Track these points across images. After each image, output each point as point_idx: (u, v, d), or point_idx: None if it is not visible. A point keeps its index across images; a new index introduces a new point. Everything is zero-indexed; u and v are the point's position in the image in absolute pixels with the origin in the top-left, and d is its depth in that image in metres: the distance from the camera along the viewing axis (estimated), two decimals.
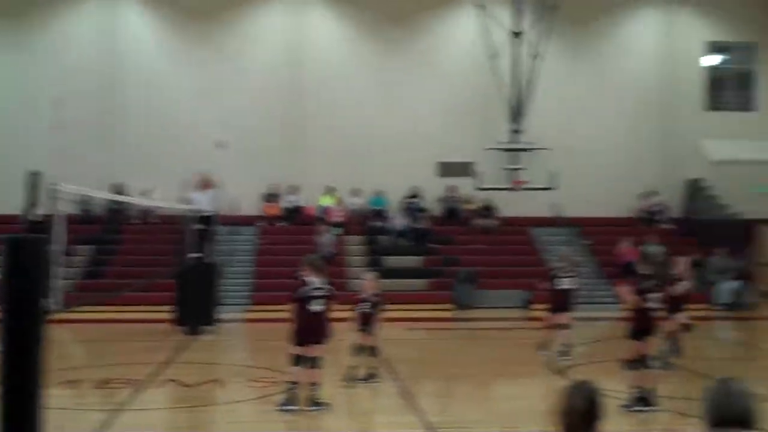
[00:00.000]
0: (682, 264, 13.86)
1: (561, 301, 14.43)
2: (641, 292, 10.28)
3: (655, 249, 23.81)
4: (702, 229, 26.23)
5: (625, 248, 24.75)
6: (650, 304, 10.33)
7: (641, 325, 10.39)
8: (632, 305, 10.35)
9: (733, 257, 24.61)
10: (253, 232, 25.58)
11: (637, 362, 10.40)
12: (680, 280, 13.57)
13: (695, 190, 27.24)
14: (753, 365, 15.16)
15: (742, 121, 28.06)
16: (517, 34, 24.50)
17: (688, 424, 9.45)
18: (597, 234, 25.86)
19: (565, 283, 14.47)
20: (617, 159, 27.23)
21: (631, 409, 10.25)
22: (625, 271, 24.39)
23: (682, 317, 13.50)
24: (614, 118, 27.47)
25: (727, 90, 28.64)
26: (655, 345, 10.64)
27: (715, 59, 28.63)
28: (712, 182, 26.61)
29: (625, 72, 27.82)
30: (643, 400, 10.31)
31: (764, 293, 25.25)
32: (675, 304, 13.02)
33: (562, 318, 14.49)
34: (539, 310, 21.39)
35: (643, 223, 26.90)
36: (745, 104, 28.55)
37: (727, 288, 23.20)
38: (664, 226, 26.93)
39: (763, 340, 19.62)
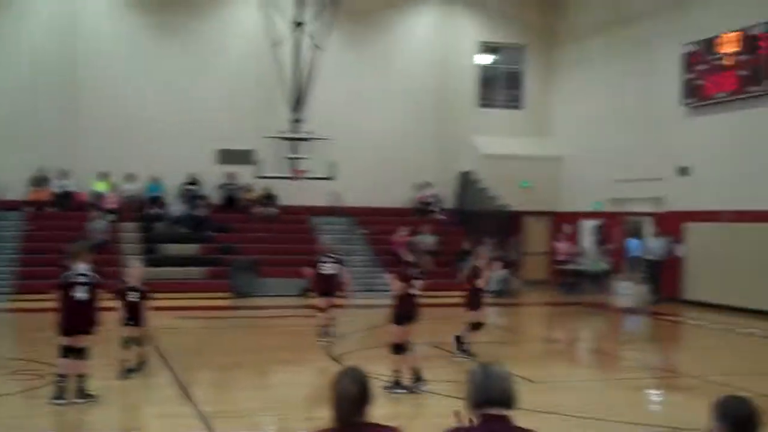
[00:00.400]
0: (484, 257, 14.12)
1: (324, 287, 15.32)
2: (406, 279, 10.58)
3: (423, 239, 24.69)
4: (472, 219, 27.40)
5: (401, 237, 25.45)
6: (413, 291, 10.66)
7: (404, 311, 10.70)
8: (397, 291, 10.64)
9: (500, 247, 25.85)
10: (19, 217, 24.18)
11: (400, 347, 10.71)
12: (482, 272, 13.77)
13: (467, 182, 28.40)
14: (517, 349, 16.00)
15: (511, 118, 29.53)
16: (299, 24, 24.60)
17: (451, 406, 9.82)
18: (374, 223, 26.42)
19: (328, 269, 15.36)
20: (395, 151, 27.89)
21: (393, 391, 10.54)
22: (400, 260, 25.15)
23: (480, 314, 13.71)
24: (393, 111, 28.11)
25: (497, 88, 30.05)
26: (416, 331, 10.95)
27: (486, 59, 29.94)
28: (482, 175, 27.81)
29: (404, 66, 28.51)
30: (406, 383, 10.63)
31: (528, 281, 26.76)
32: (477, 296, 13.43)
33: (326, 302, 15.35)
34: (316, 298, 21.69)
35: (418, 214, 27.76)
36: (513, 102, 30.06)
37: (494, 276, 24.33)
38: (437, 216, 27.92)
39: (526, 325, 20.76)
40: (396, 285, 10.64)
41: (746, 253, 20.50)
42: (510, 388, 4.00)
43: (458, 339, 13.66)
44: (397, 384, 10.69)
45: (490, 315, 21.19)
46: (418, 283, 10.72)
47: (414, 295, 10.72)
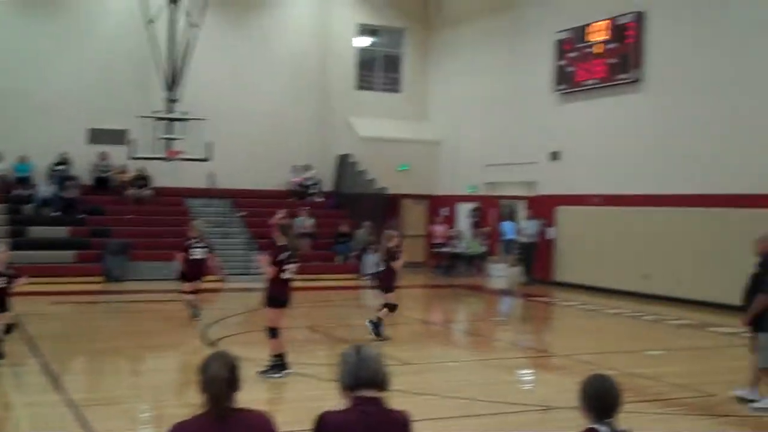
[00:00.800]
0: (395, 239, 14.27)
1: (194, 271, 15.31)
2: (278, 263, 10.47)
3: (301, 221, 24.65)
4: (351, 202, 27.46)
5: (278, 220, 25.27)
6: (286, 275, 10.56)
7: (277, 295, 10.62)
8: (270, 275, 10.52)
9: (378, 230, 25.99)
10: None
11: (274, 330, 10.63)
12: (398, 254, 14.06)
13: (345, 165, 28.41)
14: (393, 331, 16.11)
15: (389, 101, 29.67)
16: (174, 2, 24.03)
17: (324, 389, 9.81)
18: (252, 206, 26.11)
19: (197, 254, 15.33)
20: (274, 132, 27.63)
21: (268, 375, 10.46)
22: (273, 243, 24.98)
23: (395, 296, 14.00)
24: (272, 92, 27.80)
25: (376, 71, 30.12)
26: (292, 314, 10.89)
27: (366, 41, 29.96)
28: (360, 158, 27.86)
29: (284, 47, 28.23)
30: (279, 367, 10.58)
31: (405, 263, 26.97)
32: (392, 278, 13.90)
33: (192, 286, 15.31)
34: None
35: (296, 196, 27.62)
36: (391, 85, 30.20)
37: (372, 259, 24.44)
38: (316, 199, 27.84)
39: (402, 307, 20.89)
40: (268, 268, 10.52)
41: (613, 236, 21.22)
42: (382, 370, 4.00)
43: (375, 323, 13.75)
44: (274, 368, 10.61)
45: (369, 297, 21.37)
46: (292, 266, 10.61)
47: (287, 279, 10.62)
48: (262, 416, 3.90)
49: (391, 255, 13.88)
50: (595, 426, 4.12)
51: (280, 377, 10.45)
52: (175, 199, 25.72)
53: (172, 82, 24.13)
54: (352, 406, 3.98)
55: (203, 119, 23.42)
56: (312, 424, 3.91)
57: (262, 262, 10.79)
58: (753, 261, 9.70)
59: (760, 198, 17.42)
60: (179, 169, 24.40)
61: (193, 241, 15.44)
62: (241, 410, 3.84)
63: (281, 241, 10.61)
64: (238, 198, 26.17)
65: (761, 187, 17.42)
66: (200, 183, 25.67)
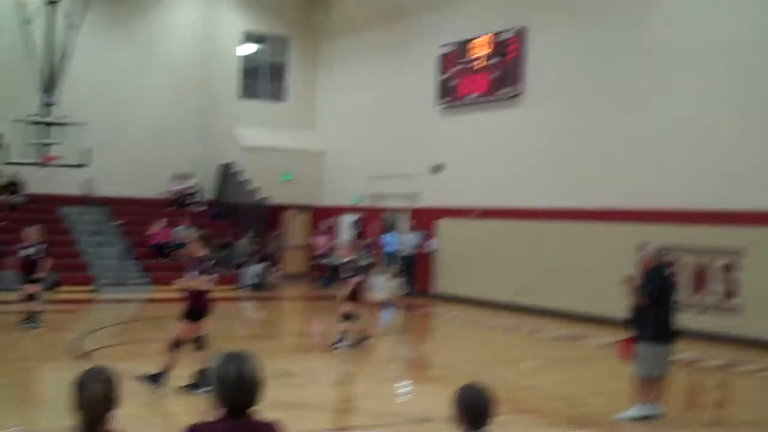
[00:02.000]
0: (345, 247, 14.79)
1: (27, 275, 15.29)
2: (201, 274, 10.19)
3: (182, 231, 24.24)
4: (233, 212, 27.14)
5: (158, 229, 24.80)
6: (206, 287, 10.30)
7: (197, 308, 10.33)
8: (192, 287, 10.21)
9: (260, 240, 25.79)
10: None
11: (180, 343, 10.26)
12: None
13: (227, 174, 28.06)
14: (273, 342, 15.98)
15: (274, 110, 29.47)
16: (52, 3, 23.31)
17: (197, 402, 9.59)
18: (129, 214, 25.49)
19: (31, 255, 15.35)
20: (155, 139, 27.05)
21: (191, 390, 10.10)
22: (156, 253, 24.49)
23: (359, 305, 14.21)
24: (153, 98, 27.22)
25: (260, 80, 29.86)
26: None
27: (250, 49, 29.72)
28: (243, 167, 27.56)
29: (166, 53, 27.72)
30: (157, 379, 10.20)
31: (287, 275, 26.84)
32: (359, 289, 14.16)
33: (31, 288, 15.24)
34: (67, 292, 20.71)
35: (177, 205, 27.13)
36: (276, 94, 30.01)
37: (252, 270, 24.22)
38: (197, 208, 27.41)
39: (283, 319, 20.80)
40: (196, 281, 10.18)
41: (492, 249, 21.56)
42: (256, 384, 3.91)
43: (359, 337, 13.98)
44: (155, 378, 10.21)
45: (249, 309, 21.14)
46: (211, 278, 10.37)
47: (206, 291, 10.34)
48: None
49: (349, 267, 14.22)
50: None
51: (203, 391, 9.95)
52: (50, 206, 24.84)
53: (50, 85, 23.39)
54: (222, 417, 3.88)
55: (81, 124, 22.77)
56: None
57: (183, 282, 10.40)
58: (627, 274, 9.97)
59: (632, 213, 18.00)
60: (55, 175, 23.64)
61: (25, 244, 15.44)
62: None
63: (201, 252, 10.32)
64: (116, 206, 25.45)
65: (634, 202, 18.01)
66: (77, 190, 24.91)
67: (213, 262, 10.29)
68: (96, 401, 3.65)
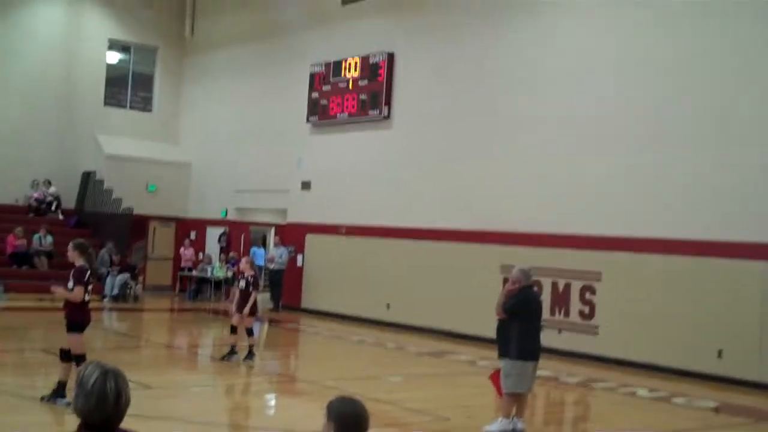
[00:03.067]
0: (244, 263, 14.55)
1: None
2: (84, 285, 9.83)
3: (36, 238, 23.51)
4: (95, 221, 26.41)
5: (14, 237, 23.91)
6: (87, 297, 9.95)
7: (80, 319, 9.97)
8: (77, 299, 9.83)
9: (123, 250, 25.18)
10: None
11: (78, 356, 9.86)
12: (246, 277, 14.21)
13: (90, 182, 27.29)
14: (136, 355, 15.64)
15: (140, 120, 28.87)
16: None
17: (56, 414, 9.34)
18: None
19: None
20: (11, 144, 26.04)
21: (56, 401, 9.75)
22: (12, 261, 23.59)
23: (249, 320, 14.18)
24: (10, 101, 26.25)
25: (126, 88, 29.20)
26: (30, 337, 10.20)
27: (116, 57, 29.08)
28: (106, 176, 26.86)
29: (29, 58, 26.79)
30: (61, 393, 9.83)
31: (151, 286, 26.29)
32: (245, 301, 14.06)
33: None
34: None
35: (34, 213, 26.21)
36: (143, 104, 29.42)
37: (115, 280, 23.61)
38: (56, 216, 26.57)
39: (147, 331, 20.35)
40: (75, 292, 9.80)
41: (358, 266, 21.73)
42: (121, 403, 3.82)
43: (251, 349, 14.03)
44: (61, 393, 9.81)
45: (111, 320, 20.60)
46: (91, 287, 10.02)
47: (87, 301, 9.99)
48: None
49: (255, 282, 14.26)
50: None
51: (65, 403, 9.60)
52: None
53: None
54: (83, 430, 3.79)
55: None
56: None
57: (58, 291, 10.01)
58: (489, 293, 10.25)
59: (496, 235, 18.48)
60: None
61: None
62: None
63: (80, 261, 9.94)
64: None
65: (498, 224, 18.51)
66: None
67: (89, 272, 9.94)
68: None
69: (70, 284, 9.88)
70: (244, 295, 14.13)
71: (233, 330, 14.27)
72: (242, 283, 14.30)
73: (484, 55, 19.52)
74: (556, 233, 17.38)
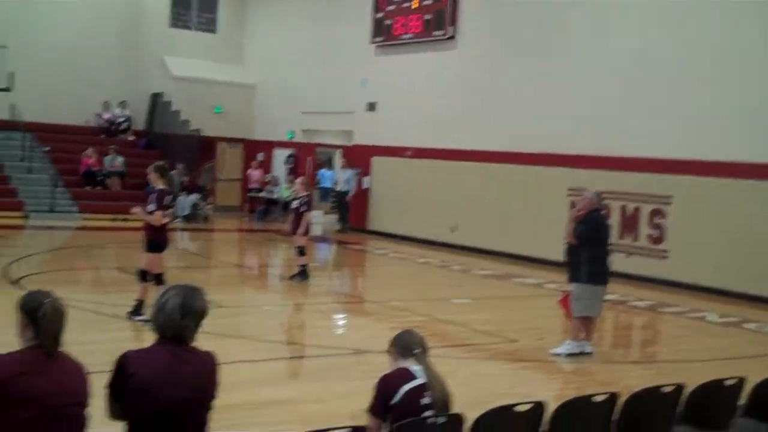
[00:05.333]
0: (299, 183, 14.61)
1: None
2: (164, 207, 10.04)
3: (108, 159, 23.96)
4: (164, 142, 26.73)
5: (88, 157, 24.38)
6: (165, 219, 10.18)
7: (159, 239, 10.22)
8: (157, 221, 10.06)
9: (192, 172, 25.51)
10: None
11: (157, 275, 10.13)
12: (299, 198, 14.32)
13: (158, 104, 27.55)
14: (208, 274, 15.97)
15: (205, 41, 28.90)
16: None
17: (135, 330, 9.62)
18: (57, 141, 24.94)
19: None
20: (80, 66, 26.19)
21: (133, 318, 10.09)
22: (85, 181, 24.10)
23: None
24: (77, 22, 26.30)
25: (191, 10, 29.17)
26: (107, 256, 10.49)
27: None
28: (174, 98, 27.08)
29: None
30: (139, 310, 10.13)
31: (220, 207, 26.69)
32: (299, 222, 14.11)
33: None
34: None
35: (105, 134, 26.62)
36: (207, 25, 29.39)
37: (185, 201, 23.99)
38: (127, 137, 26.96)
39: (217, 251, 20.72)
40: (156, 215, 10.03)
41: (424, 188, 21.70)
42: (194, 315, 3.92)
43: (301, 267, 14.22)
44: (138, 311, 10.14)
45: (182, 240, 21.01)
46: (170, 211, 10.27)
47: (166, 222, 10.23)
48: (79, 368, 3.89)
49: (307, 203, 14.25)
50: (406, 365, 4.44)
51: (143, 320, 9.92)
52: None
53: None
54: (158, 345, 3.91)
55: (4, 47, 22.11)
56: (114, 364, 3.82)
57: (138, 212, 10.26)
58: (556, 217, 10.17)
59: (564, 158, 18.26)
60: None
61: None
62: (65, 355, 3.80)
63: (160, 183, 10.14)
64: (42, 132, 24.80)
65: (566, 146, 18.27)
66: (1, 115, 24.21)
67: (170, 195, 10.14)
68: (54, 322, 3.70)
69: (152, 206, 10.08)
70: (297, 216, 14.23)
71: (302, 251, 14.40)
72: (295, 203, 14.41)
73: None
74: (624, 156, 17.10)
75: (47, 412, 3.61)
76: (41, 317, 3.70)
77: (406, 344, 4.62)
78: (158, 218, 10.04)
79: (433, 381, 4.47)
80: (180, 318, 3.86)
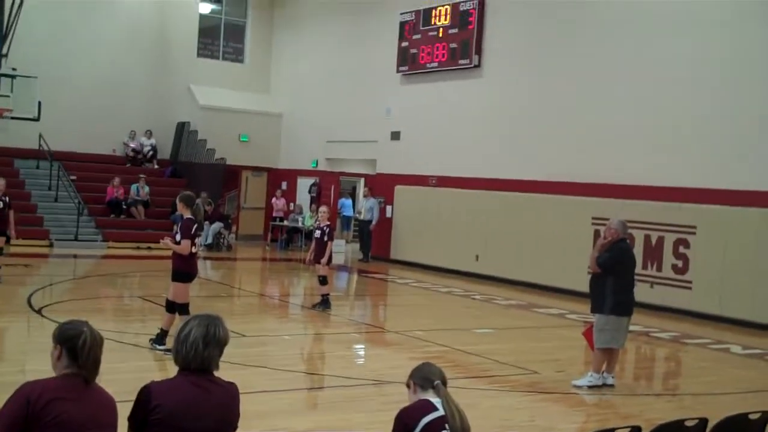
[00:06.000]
0: (322, 213, 14.67)
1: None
2: (192, 237, 10.09)
3: (134, 188, 24.14)
4: (189, 171, 26.93)
5: (115, 185, 24.58)
6: (194, 249, 10.20)
7: (187, 269, 10.27)
8: (185, 251, 10.11)
9: (216, 200, 25.67)
10: None
11: (181, 305, 10.15)
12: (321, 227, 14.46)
13: (184, 133, 27.79)
14: (230, 303, 16.01)
15: (232, 71, 29.19)
16: None
17: (157, 359, 9.65)
18: (83, 170, 25.23)
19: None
20: (108, 95, 26.54)
21: (155, 347, 10.15)
22: (110, 209, 24.29)
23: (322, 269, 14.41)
24: (107, 53, 26.72)
25: (218, 39, 29.51)
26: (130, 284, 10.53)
27: (209, 7, 29.36)
28: (200, 127, 27.31)
29: (122, 9, 27.20)
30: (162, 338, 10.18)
31: (244, 236, 26.80)
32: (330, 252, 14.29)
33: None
34: (22, 246, 20.57)
35: (131, 163, 26.87)
36: (234, 55, 29.70)
37: (209, 230, 24.11)
38: (153, 166, 27.19)
39: (239, 279, 20.78)
40: (183, 245, 10.10)
41: (447, 217, 21.70)
42: (215, 345, 3.95)
43: (324, 296, 14.42)
44: (161, 340, 10.22)
45: (205, 269, 21.10)
46: (199, 240, 10.30)
47: (194, 252, 10.27)
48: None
49: (330, 233, 14.35)
50: (427, 397, 4.50)
51: (164, 350, 9.97)
52: (3, 159, 24.42)
53: (1, 36, 22.91)
54: (181, 375, 3.93)
55: (34, 77, 22.42)
56: (137, 395, 3.84)
57: (167, 243, 10.34)
58: (580, 246, 10.13)
59: (588, 186, 18.22)
60: (6, 128, 23.26)
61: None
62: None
63: (187, 213, 10.20)
64: (69, 161, 25.07)
65: (590, 175, 18.23)
66: (29, 144, 24.50)
67: (196, 224, 10.16)
68: (94, 350, 3.77)
69: (178, 236, 10.14)
70: (320, 245, 14.30)
71: (324, 281, 14.47)
72: (317, 233, 14.49)
73: (578, 0, 19.10)
74: (648, 185, 17.04)
75: None
76: (81, 345, 3.76)
77: (425, 376, 4.62)
78: (185, 248, 10.08)
79: (453, 413, 4.47)
80: (203, 349, 3.89)
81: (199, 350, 3.87)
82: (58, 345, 3.81)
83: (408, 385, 4.71)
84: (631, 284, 9.83)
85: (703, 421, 5.43)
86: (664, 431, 5.25)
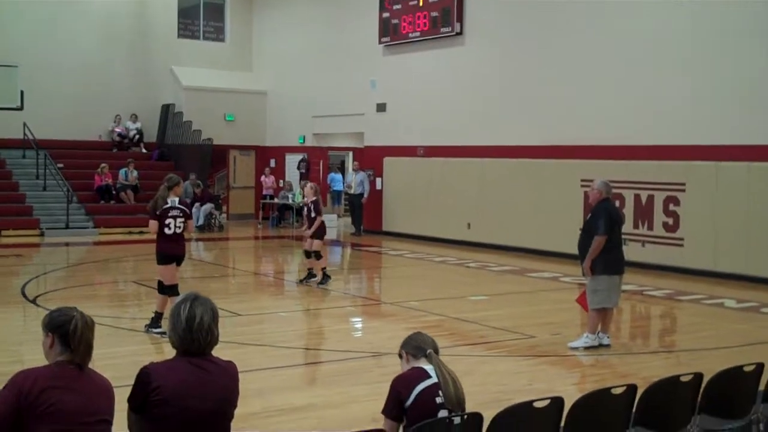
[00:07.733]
0: (307, 189, 14.87)
1: None
2: (159, 217, 10.04)
3: (122, 173, 24.05)
4: (176, 153, 26.83)
5: (102, 172, 24.47)
6: (171, 230, 10.14)
7: (165, 249, 10.23)
8: (150, 230, 10.11)
9: (205, 181, 25.60)
10: None
11: (168, 286, 10.16)
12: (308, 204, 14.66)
13: (169, 115, 27.65)
14: (224, 283, 16.01)
15: (213, 50, 29.01)
16: None
17: (152, 342, 9.66)
18: (70, 157, 25.10)
19: None
20: (90, 81, 26.35)
21: (151, 330, 10.16)
22: (99, 195, 24.21)
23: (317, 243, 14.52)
24: (86, 38, 26.49)
25: (198, 19, 29.27)
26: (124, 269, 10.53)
27: None
28: (185, 108, 27.17)
29: None
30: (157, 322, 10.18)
31: (234, 215, 26.76)
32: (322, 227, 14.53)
33: None
34: (12, 236, 20.53)
35: (117, 147, 26.75)
36: (215, 34, 29.49)
37: (199, 211, 24.08)
38: (140, 150, 27.07)
39: (232, 259, 20.77)
40: (151, 225, 10.07)
41: (437, 187, 21.71)
42: (212, 334, 3.94)
43: (324, 272, 14.53)
44: (155, 323, 10.21)
45: (197, 250, 21.09)
46: (179, 222, 10.20)
47: (178, 233, 10.21)
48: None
49: (317, 208, 14.48)
50: (420, 365, 4.57)
51: (159, 332, 9.97)
52: None
53: None
54: (178, 357, 3.93)
55: (13, 66, 22.26)
56: (136, 377, 3.84)
57: (152, 224, 10.23)
58: (570, 209, 10.14)
59: (575, 149, 18.23)
60: None
61: None
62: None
63: (168, 194, 10.14)
64: (55, 149, 24.93)
65: (576, 138, 18.24)
66: (13, 133, 24.34)
67: (165, 205, 10.11)
68: (85, 335, 3.77)
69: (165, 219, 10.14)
70: (310, 221, 14.49)
71: (307, 255, 14.61)
72: (305, 210, 14.78)
73: None
74: (636, 144, 17.06)
75: (75, 428, 3.65)
76: (72, 331, 3.75)
77: (417, 345, 4.68)
78: (152, 227, 10.13)
79: (447, 380, 4.50)
80: (190, 333, 3.88)
81: (187, 335, 3.87)
82: (49, 333, 3.80)
83: (400, 356, 4.75)
84: (620, 242, 9.86)
85: (699, 376, 5.48)
86: (660, 388, 5.29)
